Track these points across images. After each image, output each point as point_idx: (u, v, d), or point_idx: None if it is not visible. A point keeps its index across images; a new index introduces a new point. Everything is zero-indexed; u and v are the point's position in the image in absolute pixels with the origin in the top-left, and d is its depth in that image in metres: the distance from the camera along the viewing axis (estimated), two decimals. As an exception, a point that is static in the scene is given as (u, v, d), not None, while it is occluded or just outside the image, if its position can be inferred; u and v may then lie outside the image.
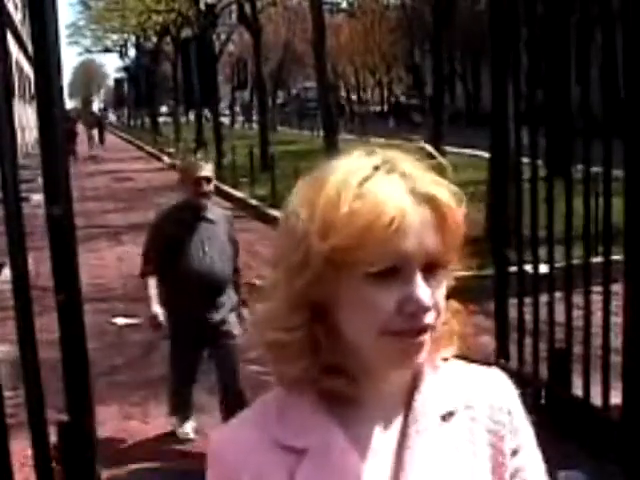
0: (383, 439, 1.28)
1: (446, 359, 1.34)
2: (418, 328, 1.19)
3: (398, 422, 1.29)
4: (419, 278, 1.19)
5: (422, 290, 1.18)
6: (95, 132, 40.81)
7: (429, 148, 1.27)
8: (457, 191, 1.23)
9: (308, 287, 1.21)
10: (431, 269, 1.20)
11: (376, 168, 1.20)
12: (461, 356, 1.37)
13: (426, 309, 1.19)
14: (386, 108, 57.63)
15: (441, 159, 1.25)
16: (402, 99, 55.13)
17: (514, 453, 1.32)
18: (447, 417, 1.29)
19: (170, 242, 5.34)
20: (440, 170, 1.24)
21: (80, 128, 40.01)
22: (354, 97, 61.91)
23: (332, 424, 1.26)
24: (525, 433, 1.35)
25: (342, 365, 1.26)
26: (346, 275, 1.19)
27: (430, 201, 1.19)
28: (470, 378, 1.35)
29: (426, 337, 1.21)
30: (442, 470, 1.25)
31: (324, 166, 1.24)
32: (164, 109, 63.75)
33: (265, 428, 1.27)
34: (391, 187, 1.18)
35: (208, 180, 5.36)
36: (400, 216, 1.16)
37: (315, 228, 1.18)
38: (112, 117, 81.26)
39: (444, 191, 1.21)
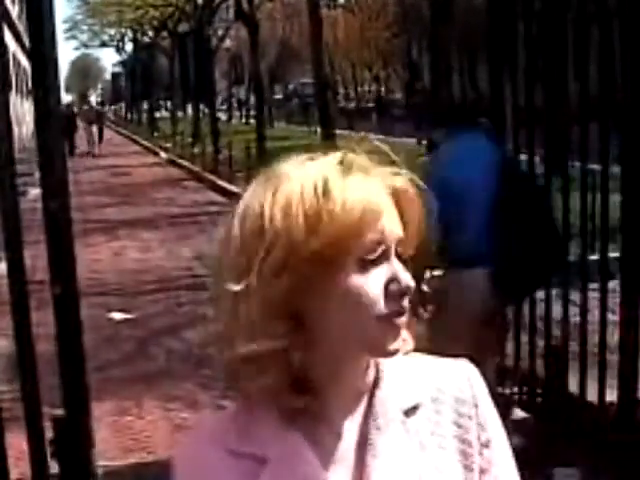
0: (346, 442, 1.27)
1: (407, 353, 1.32)
2: (404, 309, 1.22)
3: (360, 423, 1.28)
4: (397, 261, 1.22)
5: (403, 271, 1.22)
6: (94, 128, 36.87)
7: (378, 143, 1.28)
8: (415, 180, 1.27)
9: (287, 293, 1.18)
10: (401, 255, 1.24)
11: (341, 162, 1.23)
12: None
13: (409, 287, 1.22)
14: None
15: (389, 152, 1.27)
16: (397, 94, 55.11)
17: (484, 446, 1.31)
18: (410, 411, 1.29)
19: None
20: (391, 163, 1.27)
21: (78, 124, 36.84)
22: (343, 92, 61.86)
23: (293, 432, 1.25)
24: (493, 426, 1.34)
25: (309, 377, 1.24)
26: (332, 270, 1.18)
27: (395, 192, 1.23)
28: (435, 371, 1.35)
29: (406, 320, 1.24)
30: (406, 466, 1.25)
31: (283, 165, 1.24)
32: (160, 103, 63.65)
33: (225, 439, 1.27)
34: (360, 179, 1.20)
35: None
36: (379, 207, 1.19)
37: (301, 225, 1.16)
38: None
39: (405, 181, 1.25)
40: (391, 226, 1.21)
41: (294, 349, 1.21)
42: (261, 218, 1.19)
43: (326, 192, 1.17)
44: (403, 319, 1.23)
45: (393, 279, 1.21)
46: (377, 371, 1.30)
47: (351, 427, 1.28)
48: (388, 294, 1.20)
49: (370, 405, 1.28)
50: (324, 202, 1.17)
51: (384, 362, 1.30)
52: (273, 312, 1.19)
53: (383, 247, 1.20)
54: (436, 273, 4.63)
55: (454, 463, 1.28)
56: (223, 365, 1.25)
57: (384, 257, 1.21)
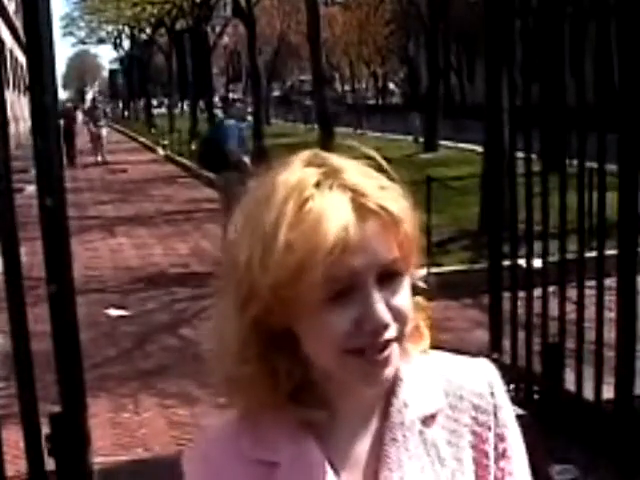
0: (359, 449, 1.25)
1: (424, 351, 1.30)
2: (380, 345, 1.15)
3: (375, 430, 1.25)
4: (374, 293, 1.14)
5: (379, 307, 1.14)
6: (104, 131, 30.04)
7: (375, 155, 1.23)
8: (405, 199, 1.19)
9: (259, 319, 1.17)
10: (389, 276, 1.16)
11: (317, 185, 1.15)
12: (452, 349, 1.35)
13: (385, 326, 1.15)
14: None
15: (385, 165, 1.22)
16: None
17: (500, 456, 1.28)
18: (428, 420, 1.25)
19: None
20: (388, 174, 1.20)
21: (79, 127, 32.32)
22: (340, 89, 61.93)
23: (305, 437, 1.22)
24: (512, 435, 1.30)
25: (314, 391, 1.23)
26: (297, 303, 1.14)
27: (377, 214, 1.14)
28: (454, 374, 1.30)
29: (391, 351, 1.17)
30: (420, 478, 1.22)
31: (267, 181, 1.19)
32: (155, 102, 63.70)
33: (236, 443, 1.24)
34: (332, 207, 1.12)
35: None
36: (342, 240, 1.11)
37: (256, 261, 1.14)
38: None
39: (392, 202, 1.16)
40: (363, 259, 1.13)
41: (284, 368, 1.20)
42: (237, 248, 1.18)
43: (276, 231, 1.13)
44: (387, 352, 1.16)
45: (365, 316, 1.14)
46: (394, 378, 1.25)
47: (365, 436, 1.25)
48: (360, 330, 1.14)
49: (386, 413, 1.25)
50: (273, 241, 1.13)
51: (402, 369, 1.26)
52: (245, 337, 1.19)
53: (347, 284, 1.14)
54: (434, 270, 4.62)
55: (469, 474, 1.25)
56: (219, 382, 1.25)
57: (354, 291, 1.14)
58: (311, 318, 1.16)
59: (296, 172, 1.17)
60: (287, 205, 1.13)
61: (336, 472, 1.22)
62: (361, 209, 1.13)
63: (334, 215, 1.11)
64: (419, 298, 1.27)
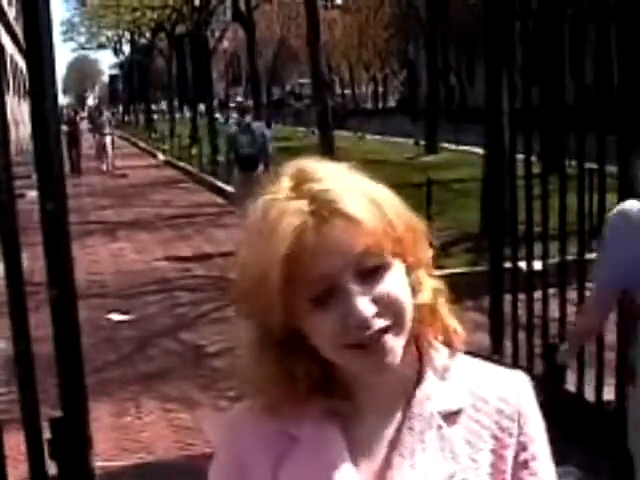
0: (379, 440, 1.27)
1: (453, 355, 1.32)
2: (371, 336, 1.18)
3: (396, 419, 1.28)
4: (353, 290, 1.17)
5: (358, 302, 1.17)
6: (108, 140, 27.90)
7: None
8: (381, 197, 1.21)
9: (265, 324, 1.23)
10: (371, 271, 1.19)
11: (288, 197, 1.19)
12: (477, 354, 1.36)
13: (368, 318, 1.17)
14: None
15: (347, 167, 1.26)
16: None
17: (521, 466, 1.29)
18: (449, 417, 1.26)
19: None
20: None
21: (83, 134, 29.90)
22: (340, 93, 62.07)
23: (329, 422, 1.26)
24: (537, 446, 1.31)
25: (338, 382, 1.26)
26: (286, 309, 1.19)
27: (337, 216, 1.16)
28: (483, 379, 1.31)
29: (387, 338, 1.19)
30: (432, 472, 1.23)
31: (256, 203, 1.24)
32: (154, 107, 63.80)
33: (261, 416, 1.28)
34: (287, 215, 1.17)
35: None
36: (296, 245, 1.15)
37: (246, 278, 1.22)
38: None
39: (353, 202, 1.17)
40: (329, 259, 1.16)
41: (301, 370, 1.24)
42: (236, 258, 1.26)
43: (242, 246, 1.22)
44: (383, 340, 1.19)
45: (346, 314, 1.17)
46: (420, 371, 1.28)
47: (386, 425, 1.27)
48: (347, 327, 1.18)
49: (408, 405, 1.27)
50: (240, 255, 1.22)
51: (429, 363, 1.29)
52: (263, 341, 1.24)
53: (325, 285, 1.17)
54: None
55: (484, 476, 1.26)
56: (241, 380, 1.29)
57: (334, 291, 1.18)
58: (305, 321, 1.20)
59: (268, 188, 1.22)
60: (250, 227, 1.21)
61: (354, 460, 1.24)
62: (318, 214, 1.16)
63: (287, 222, 1.16)
64: (434, 281, 1.30)
